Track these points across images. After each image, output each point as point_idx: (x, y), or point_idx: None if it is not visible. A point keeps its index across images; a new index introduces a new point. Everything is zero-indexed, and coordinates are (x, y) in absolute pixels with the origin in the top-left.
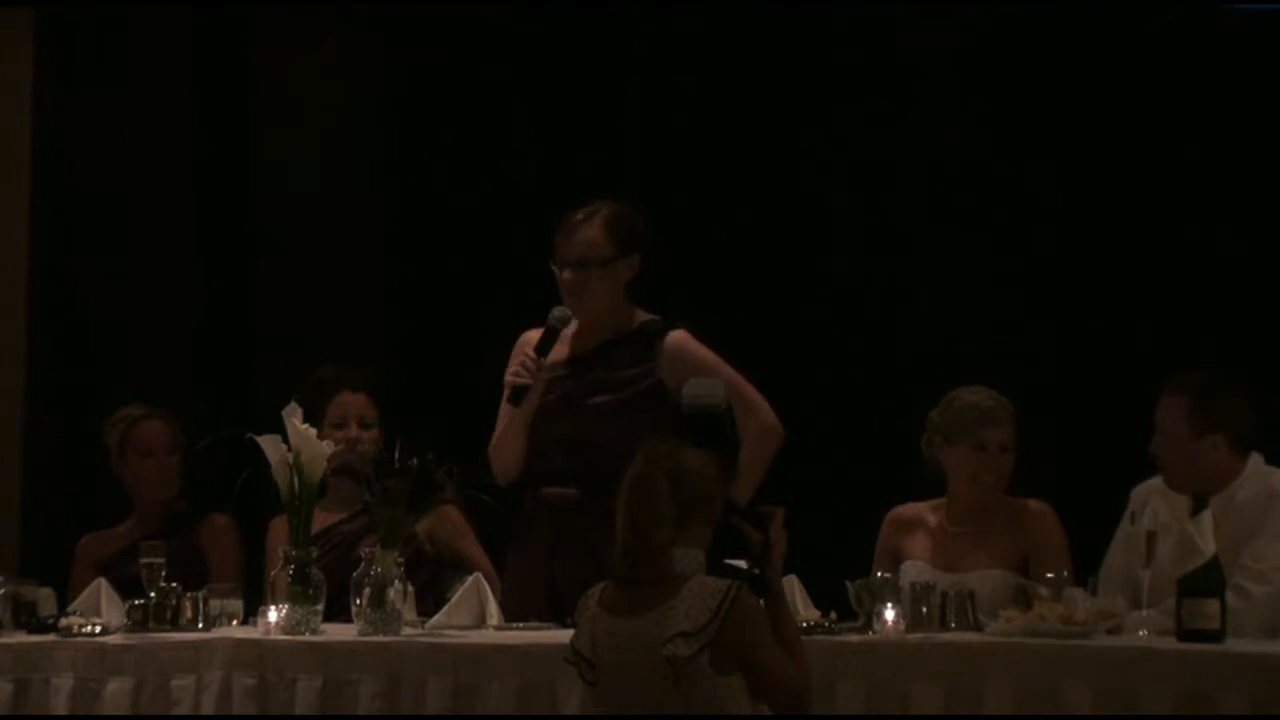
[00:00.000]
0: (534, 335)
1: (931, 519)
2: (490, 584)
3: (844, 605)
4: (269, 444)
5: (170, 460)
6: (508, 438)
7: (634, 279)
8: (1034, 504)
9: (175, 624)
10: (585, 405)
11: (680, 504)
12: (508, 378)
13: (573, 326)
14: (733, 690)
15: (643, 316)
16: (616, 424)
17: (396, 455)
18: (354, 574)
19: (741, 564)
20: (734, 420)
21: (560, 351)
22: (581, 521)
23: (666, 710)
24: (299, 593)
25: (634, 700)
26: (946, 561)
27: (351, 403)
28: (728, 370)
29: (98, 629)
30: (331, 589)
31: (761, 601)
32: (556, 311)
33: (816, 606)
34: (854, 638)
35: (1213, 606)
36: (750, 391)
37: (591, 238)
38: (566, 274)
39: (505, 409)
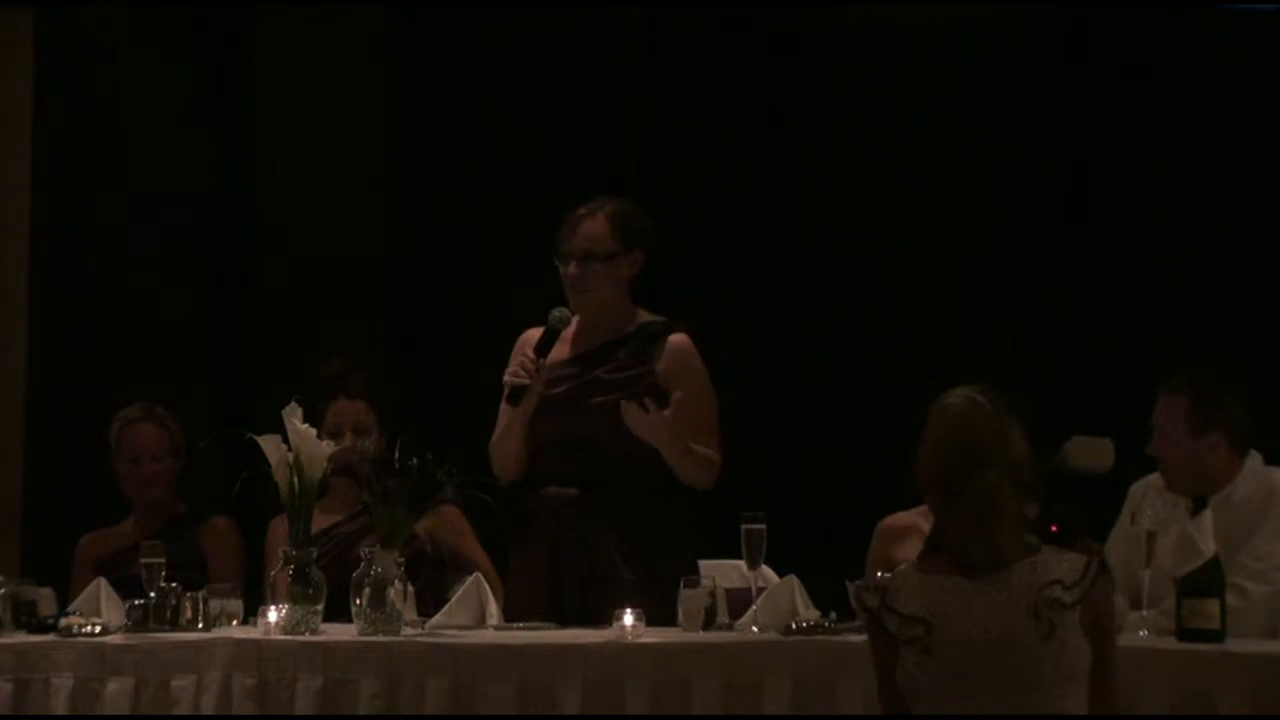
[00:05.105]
0: (535, 334)
1: (925, 526)
2: (490, 584)
3: (844, 605)
4: (269, 444)
5: (157, 467)
6: (507, 438)
7: (637, 278)
8: None
9: (175, 624)
10: (587, 405)
11: (1019, 492)
12: (506, 377)
13: (573, 325)
14: (1088, 663)
15: (645, 317)
16: (618, 424)
17: (396, 455)
18: (354, 574)
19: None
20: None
21: (562, 351)
22: (583, 521)
23: (1029, 670)
24: (299, 593)
25: (989, 660)
26: None
27: (347, 410)
28: (709, 395)
29: (98, 629)
30: (331, 590)
31: None
32: (556, 312)
33: (816, 606)
34: (854, 638)
35: (1213, 606)
36: (717, 433)
37: (595, 232)
38: (571, 268)
39: (505, 408)
